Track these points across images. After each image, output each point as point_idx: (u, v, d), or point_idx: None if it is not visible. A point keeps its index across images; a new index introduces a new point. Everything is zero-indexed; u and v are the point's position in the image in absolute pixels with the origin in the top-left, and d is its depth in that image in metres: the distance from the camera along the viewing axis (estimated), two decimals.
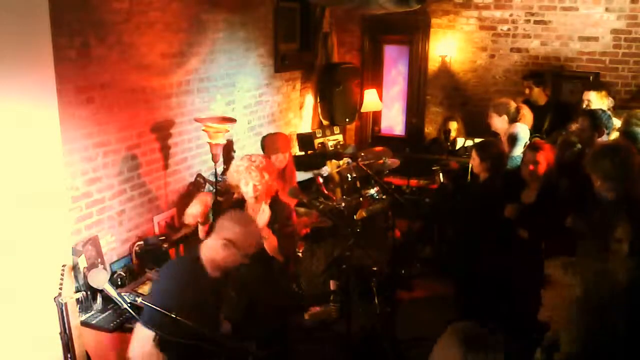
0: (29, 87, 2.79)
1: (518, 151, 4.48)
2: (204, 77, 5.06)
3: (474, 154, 4.21)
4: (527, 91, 5.94)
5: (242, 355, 2.62)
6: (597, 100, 5.19)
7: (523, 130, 4.60)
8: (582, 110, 5.01)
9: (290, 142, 5.45)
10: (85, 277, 3.55)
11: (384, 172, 5.76)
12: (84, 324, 3.48)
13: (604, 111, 4.51)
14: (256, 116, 6.01)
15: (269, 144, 4.47)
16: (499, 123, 4.87)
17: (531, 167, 3.82)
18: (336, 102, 6.85)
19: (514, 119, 4.89)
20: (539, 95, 5.88)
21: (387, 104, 7.54)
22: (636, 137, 4.18)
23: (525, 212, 3.81)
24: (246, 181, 3.47)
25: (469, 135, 6.44)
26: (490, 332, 1.96)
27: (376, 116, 7.56)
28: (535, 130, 5.45)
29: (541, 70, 6.41)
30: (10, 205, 2.77)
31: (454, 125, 6.49)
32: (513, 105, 5.00)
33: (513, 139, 4.55)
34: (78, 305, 3.47)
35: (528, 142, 4.57)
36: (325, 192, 4.90)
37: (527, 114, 5.25)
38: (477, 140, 5.54)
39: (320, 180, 4.92)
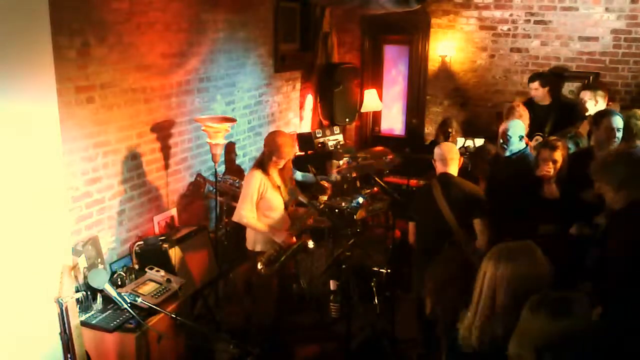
0: (29, 87, 2.79)
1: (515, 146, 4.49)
2: (204, 77, 5.06)
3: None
4: (533, 92, 5.94)
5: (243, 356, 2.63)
6: (594, 100, 5.20)
7: (517, 126, 4.63)
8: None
9: None
10: (85, 277, 3.55)
11: (384, 172, 5.76)
12: (84, 324, 3.48)
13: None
14: (256, 116, 6.01)
15: (288, 142, 4.10)
16: None
17: (550, 164, 3.87)
18: (336, 102, 6.84)
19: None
20: (545, 95, 5.89)
21: (387, 104, 7.53)
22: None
23: (550, 208, 3.82)
24: None
25: (469, 135, 6.43)
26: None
27: (376, 116, 7.55)
28: (539, 129, 5.47)
29: (545, 70, 6.40)
30: (10, 205, 2.77)
31: (454, 126, 6.49)
32: (513, 106, 5.09)
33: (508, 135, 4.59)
34: (78, 305, 3.46)
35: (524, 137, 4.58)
36: (312, 171, 4.80)
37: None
38: (477, 140, 5.56)
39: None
